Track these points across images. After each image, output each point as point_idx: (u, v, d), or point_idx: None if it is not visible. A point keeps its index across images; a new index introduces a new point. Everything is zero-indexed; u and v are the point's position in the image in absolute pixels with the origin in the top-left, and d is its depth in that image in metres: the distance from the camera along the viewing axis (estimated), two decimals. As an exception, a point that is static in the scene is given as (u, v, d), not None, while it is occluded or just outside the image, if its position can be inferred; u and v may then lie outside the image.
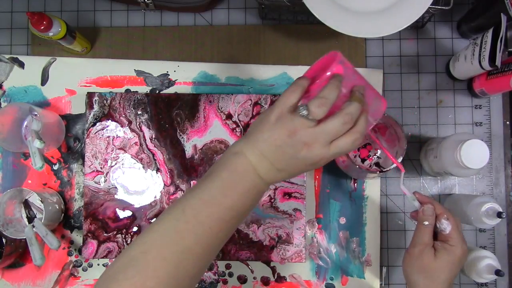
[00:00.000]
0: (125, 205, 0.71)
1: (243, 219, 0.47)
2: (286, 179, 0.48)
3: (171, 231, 0.44)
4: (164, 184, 0.71)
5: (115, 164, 0.72)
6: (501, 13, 0.60)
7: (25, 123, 0.72)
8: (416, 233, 0.55)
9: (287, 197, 0.71)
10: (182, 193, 0.71)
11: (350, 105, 0.45)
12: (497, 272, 0.60)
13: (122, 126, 0.72)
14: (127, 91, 0.74)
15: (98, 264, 0.73)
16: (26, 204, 0.73)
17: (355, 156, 0.70)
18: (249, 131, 0.48)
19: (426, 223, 0.54)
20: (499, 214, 0.60)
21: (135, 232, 0.71)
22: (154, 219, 0.71)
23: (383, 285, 0.72)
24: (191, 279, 0.44)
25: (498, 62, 0.61)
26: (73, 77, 0.75)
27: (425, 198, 0.56)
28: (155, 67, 0.75)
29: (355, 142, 0.46)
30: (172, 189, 0.71)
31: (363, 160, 0.70)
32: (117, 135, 0.72)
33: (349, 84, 0.47)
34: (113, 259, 0.71)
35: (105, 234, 0.71)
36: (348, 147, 0.46)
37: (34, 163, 0.63)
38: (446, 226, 0.54)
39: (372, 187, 0.73)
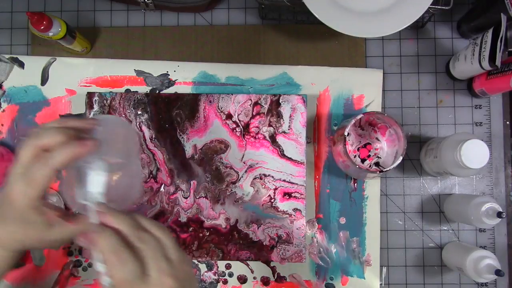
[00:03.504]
0: (125, 205, 0.71)
1: None
2: (8, 235, 0.43)
3: None
4: (164, 184, 0.71)
5: (115, 164, 0.72)
6: (501, 13, 0.60)
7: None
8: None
9: (287, 197, 0.71)
10: (182, 193, 0.71)
11: (43, 128, 0.43)
12: (497, 272, 0.60)
13: (122, 126, 0.72)
14: (127, 91, 0.74)
15: (98, 264, 0.73)
16: (26, 204, 0.73)
17: (355, 156, 0.70)
18: None
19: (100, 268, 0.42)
20: (499, 214, 0.60)
21: (135, 232, 0.71)
22: (154, 219, 0.71)
23: (383, 285, 0.72)
24: None
25: (498, 62, 0.61)
26: (73, 77, 0.75)
27: (104, 216, 0.43)
28: (155, 67, 0.75)
29: (40, 162, 0.41)
30: (172, 189, 0.71)
31: (363, 160, 0.70)
32: (117, 135, 0.72)
33: None
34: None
35: (105, 234, 0.71)
36: (34, 173, 0.41)
37: None
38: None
39: (372, 187, 0.73)
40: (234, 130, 0.72)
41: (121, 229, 0.42)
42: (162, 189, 0.71)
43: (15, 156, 0.43)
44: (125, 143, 0.48)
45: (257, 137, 0.71)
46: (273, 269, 0.72)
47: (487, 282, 0.72)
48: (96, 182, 0.44)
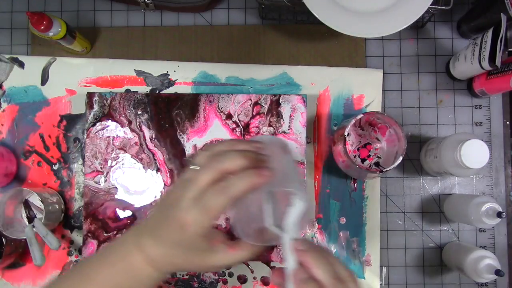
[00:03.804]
0: (125, 205, 0.71)
1: None
2: (167, 258, 0.39)
3: None
4: (164, 184, 0.71)
5: (115, 164, 0.72)
6: (501, 13, 0.60)
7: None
8: None
9: (287, 197, 0.71)
10: (182, 193, 0.71)
11: (226, 151, 0.39)
12: (497, 272, 0.60)
13: (122, 126, 0.72)
14: (127, 91, 0.74)
15: (98, 264, 0.73)
16: (26, 204, 0.73)
17: (355, 156, 0.70)
18: None
19: None
20: (499, 214, 0.60)
21: (135, 232, 0.71)
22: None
23: (383, 285, 0.72)
24: None
25: (498, 62, 0.61)
26: (73, 77, 0.75)
27: (302, 255, 0.39)
28: (155, 67, 0.75)
29: (221, 192, 0.37)
30: (172, 189, 0.71)
31: (363, 160, 0.70)
32: (117, 135, 0.72)
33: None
34: None
35: (105, 234, 0.71)
36: (212, 200, 0.37)
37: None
38: None
39: (372, 187, 0.73)
40: (234, 130, 0.72)
41: (319, 278, 0.37)
42: (162, 189, 0.71)
43: (185, 178, 0.39)
44: (291, 167, 0.44)
45: (257, 137, 0.71)
46: (273, 269, 0.72)
47: (487, 282, 0.72)
48: (287, 213, 0.39)
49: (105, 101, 0.72)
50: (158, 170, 0.71)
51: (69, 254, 0.73)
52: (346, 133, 0.63)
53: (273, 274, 0.40)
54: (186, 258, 0.39)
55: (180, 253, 0.39)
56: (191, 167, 0.39)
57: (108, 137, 0.72)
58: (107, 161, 0.72)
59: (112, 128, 0.72)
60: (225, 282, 0.72)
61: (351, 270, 0.40)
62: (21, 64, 0.75)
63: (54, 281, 0.42)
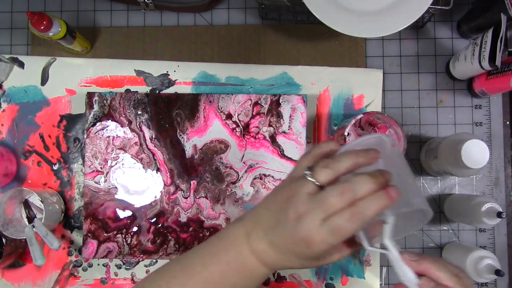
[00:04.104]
0: (125, 205, 0.71)
1: None
2: (283, 264, 0.39)
3: None
4: (164, 184, 0.71)
5: (115, 164, 0.72)
6: (501, 13, 0.60)
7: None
8: None
9: (287, 197, 0.71)
10: (182, 193, 0.71)
11: (357, 175, 0.37)
12: (497, 272, 0.60)
13: (122, 126, 0.72)
14: (127, 91, 0.74)
15: (98, 264, 0.73)
16: (26, 204, 0.73)
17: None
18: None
19: None
20: (499, 214, 0.60)
21: (135, 232, 0.71)
22: (154, 219, 0.71)
23: (383, 285, 0.72)
24: None
25: (498, 62, 0.61)
26: (73, 77, 0.75)
27: (420, 264, 0.39)
28: (155, 67, 0.75)
29: (351, 221, 0.36)
30: (172, 189, 0.71)
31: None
32: (117, 135, 0.72)
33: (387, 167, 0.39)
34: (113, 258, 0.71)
35: (105, 234, 0.71)
36: (343, 226, 0.36)
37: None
38: None
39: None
40: (234, 130, 0.72)
41: (444, 281, 0.37)
42: (162, 189, 0.71)
43: (304, 191, 0.37)
44: (407, 172, 0.41)
45: (257, 137, 0.71)
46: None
47: (487, 282, 0.72)
48: (393, 231, 0.39)
49: (105, 101, 0.72)
50: (158, 170, 0.71)
51: (69, 254, 0.73)
52: (346, 133, 0.63)
53: None
54: (303, 264, 0.40)
55: (298, 261, 0.39)
56: (309, 179, 0.37)
57: (108, 137, 0.72)
58: (107, 161, 0.72)
59: (112, 128, 0.72)
60: (225, 282, 0.72)
61: (455, 265, 0.40)
62: (21, 64, 0.75)
63: (158, 277, 0.41)
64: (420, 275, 0.39)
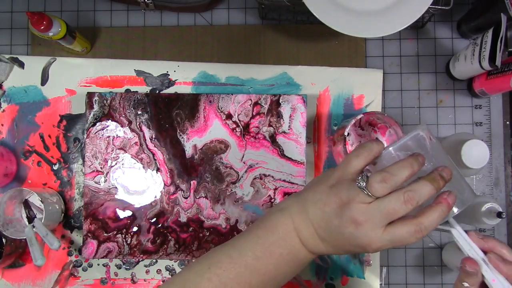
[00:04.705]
0: (125, 205, 0.71)
1: (277, 286, 0.42)
2: (332, 253, 0.42)
3: (192, 287, 0.40)
4: (164, 184, 0.71)
5: (115, 164, 0.72)
6: (501, 13, 0.60)
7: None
8: None
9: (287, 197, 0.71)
10: (182, 193, 0.71)
11: (418, 182, 0.38)
12: (499, 215, 0.60)
13: (122, 126, 0.72)
14: (127, 91, 0.74)
15: (98, 264, 0.73)
16: (26, 204, 0.73)
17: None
18: (305, 187, 0.44)
19: (466, 285, 0.40)
20: (499, 214, 0.60)
21: (135, 232, 0.71)
22: (154, 219, 0.71)
23: (383, 285, 0.72)
24: None
25: (498, 62, 0.61)
26: (73, 77, 0.75)
27: (486, 242, 0.41)
28: (155, 67, 0.75)
29: (415, 236, 0.37)
30: (172, 189, 0.71)
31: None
32: (117, 135, 0.72)
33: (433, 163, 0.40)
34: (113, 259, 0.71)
35: (105, 234, 0.71)
36: (405, 238, 0.37)
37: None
38: None
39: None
40: (234, 130, 0.72)
41: (509, 257, 0.40)
42: (162, 189, 0.71)
43: (359, 198, 0.38)
44: (453, 165, 0.43)
45: (257, 137, 0.71)
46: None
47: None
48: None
49: (105, 101, 0.72)
50: (158, 170, 0.71)
51: (69, 254, 0.73)
52: (346, 133, 0.63)
53: (467, 262, 0.39)
54: (350, 254, 0.44)
55: (347, 253, 0.42)
56: (366, 192, 0.38)
57: (108, 137, 0.72)
58: (107, 161, 0.72)
59: (112, 128, 0.72)
60: (225, 282, 0.72)
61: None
62: (21, 64, 0.75)
63: (206, 269, 0.41)
64: (484, 252, 0.41)
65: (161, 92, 0.74)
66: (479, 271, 0.39)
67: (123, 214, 0.71)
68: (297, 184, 0.71)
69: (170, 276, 0.72)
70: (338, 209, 0.39)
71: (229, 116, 0.72)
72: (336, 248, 0.41)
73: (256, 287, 0.40)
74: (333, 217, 0.39)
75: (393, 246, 0.39)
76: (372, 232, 0.38)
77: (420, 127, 0.43)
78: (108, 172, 0.71)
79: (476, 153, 0.59)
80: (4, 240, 0.69)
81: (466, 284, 0.40)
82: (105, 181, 0.71)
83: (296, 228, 0.41)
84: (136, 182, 0.71)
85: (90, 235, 0.71)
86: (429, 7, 0.60)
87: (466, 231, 0.42)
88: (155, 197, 0.71)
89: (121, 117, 0.72)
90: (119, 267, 0.73)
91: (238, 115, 0.72)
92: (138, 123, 0.72)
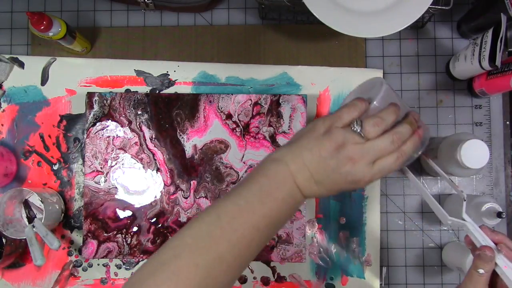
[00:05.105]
0: (125, 205, 0.71)
1: (276, 230, 0.46)
2: (323, 195, 0.47)
3: (205, 236, 0.41)
4: (164, 184, 0.71)
5: (115, 164, 0.72)
6: (501, 13, 0.60)
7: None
8: (466, 278, 0.45)
9: (287, 197, 0.71)
10: (182, 193, 0.71)
11: (402, 125, 0.46)
12: (499, 215, 0.61)
13: (122, 126, 0.72)
14: (127, 91, 0.74)
15: (98, 264, 0.73)
16: (26, 204, 0.73)
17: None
18: (292, 139, 0.48)
19: (481, 271, 0.43)
20: (499, 214, 0.60)
21: (135, 232, 0.71)
22: (154, 219, 0.71)
23: (383, 285, 0.72)
24: None
25: (498, 62, 0.61)
26: (73, 77, 0.75)
27: (496, 235, 0.46)
28: (155, 67, 0.75)
29: (397, 161, 0.45)
30: (172, 189, 0.71)
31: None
32: (117, 135, 0.72)
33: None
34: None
35: (105, 234, 0.71)
36: (390, 166, 0.45)
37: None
38: None
39: (372, 187, 0.73)
40: (234, 130, 0.72)
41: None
42: (162, 189, 0.71)
43: (352, 139, 0.44)
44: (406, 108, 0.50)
45: (257, 137, 0.71)
46: (273, 269, 0.72)
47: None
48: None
49: (105, 101, 0.72)
50: (158, 170, 0.71)
51: (69, 254, 0.73)
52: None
53: (486, 249, 0.44)
54: (341, 192, 0.47)
55: (338, 192, 0.47)
56: (361, 134, 0.45)
57: (108, 137, 0.72)
58: (107, 161, 0.72)
59: (112, 128, 0.72)
60: (225, 282, 0.72)
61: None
62: (21, 64, 0.75)
63: (215, 219, 0.43)
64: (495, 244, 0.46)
65: (161, 92, 0.74)
66: (494, 258, 0.43)
67: (123, 214, 0.71)
68: (297, 184, 0.70)
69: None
70: (334, 152, 0.44)
71: (229, 116, 0.72)
72: (329, 189, 0.46)
73: (263, 230, 0.43)
74: (330, 159, 0.44)
75: (381, 176, 0.46)
76: (365, 168, 0.44)
77: (379, 79, 0.50)
78: (108, 172, 0.71)
79: (476, 153, 0.59)
80: (4, 240, 0.69)
81: (481, 271, 0.43)
82: (105, 181, 0.71)
83: (292, 174, 0.45)
84: (136, 182, 0.71)
85: (90, 235, 0.71)
86: (429, 7, 0.60)
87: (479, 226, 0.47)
88: (155, 197, 0.71)
89: (121, 117, 0.72)
90: (119, 267, 0.73)
91: (238, 115, 0.72)
92: (138, 123, 0.72)
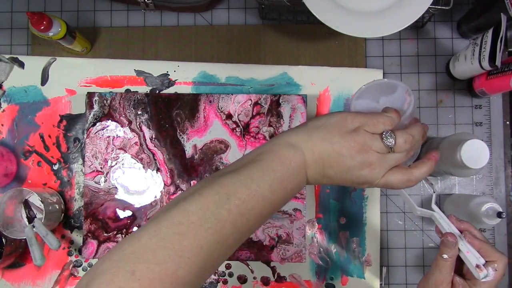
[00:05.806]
0: (125, 205, 0.71)
1: (272, 215, 0.46)
2: (324, 185, 0.47)
3: (212, 217, 0.39)
4: (164, 184, 0.71)
5: (115, 164, 0.72)
6: (501, 13, 0.60)
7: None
8: (433, 265, 0.48)
9: (287, 197, 0.71)
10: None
11: (418, 140, 0.47)
12: (499, 215, 0.61)
13: (122, 126, 0.72)
14: (127, 91, 0.74)
15: (98, 264, 0.73)
16: (26, 204, 0.73)
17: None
18: (311, 124, 0.46)
19: (445, 256, 0.47)
20: (499, 214, 0.60)
21: (135, 232, 0.71)
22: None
23: (383, 285, 0.72)
24: (212, 272, 0.42)
25: (498, 62, 0.61)
26: (73, 77, 0.75)
27: (462, 224, 0.50)
28: (155, 67, 0.75)
29: (406, 184, 0.45)
30: (172, 189, 0.71)
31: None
32: (117, 135, 0.72)
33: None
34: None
35: (105, 234, 0.71)
36: (396, 185, 0.45)
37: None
38: (489, 274, 0.46)
39: (372, 187, 0.72)
40: (234, 130, 0.72)
41: (479, 236, 0.49)
42: (162, 189, 0.71)
43: (377, 144, 0.44)
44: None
45: (257, 137, 0.71)
46: (273, 269, 0.72)
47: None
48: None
49: (105, 101, 0.72)
50: (158, 170, 0.71)
51: (69, 254, 0.73)
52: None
53: (448, 235, 0.47)
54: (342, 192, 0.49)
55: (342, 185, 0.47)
56: (391, 147, 0.45)
57: (108, 137, 0.72)
58: (107, 161, 0.72)
59: (112, 128, 0.72)
60: (225, 282, 0.72)
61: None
62: (21, 64, 0.75)
63: (224, 200, 0.41)
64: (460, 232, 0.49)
65: (161, 92, 0.74)
66: (456, 244, 0.47)
67: (123, 214, 0.71)
68: (297, 184, 0.70)
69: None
70: (356, 154, 0.43)
71: (229, 116, 0.72)
72: (334, 183, 0.46)
73: (266, 216, 0.43)
74: (349, 159, 0.44)
75: (385, 188, 0.46)
76: (379, 175, 0.44)
77: (399, 84, 0.50)
78: (108, 172, 0.71)
79: (476, 153, 0.59)
80: (4, 240, 0.69)
81: (445, 256, 0.46)
82: (105, 181, 0.71)
83: (306, 165, 0.44)
84: (136, 182, 0.71)
85: (90, 235, 0.71)
86: (429, 7, 0.60)
87: (446, 215, 0.50)
88: (155, 197, 0.71)
89: (121, 117, 0.72)
90: (119, 267, 0.73)
91: (238, 115, 0.72)
92: (138, 123, 0.72)
